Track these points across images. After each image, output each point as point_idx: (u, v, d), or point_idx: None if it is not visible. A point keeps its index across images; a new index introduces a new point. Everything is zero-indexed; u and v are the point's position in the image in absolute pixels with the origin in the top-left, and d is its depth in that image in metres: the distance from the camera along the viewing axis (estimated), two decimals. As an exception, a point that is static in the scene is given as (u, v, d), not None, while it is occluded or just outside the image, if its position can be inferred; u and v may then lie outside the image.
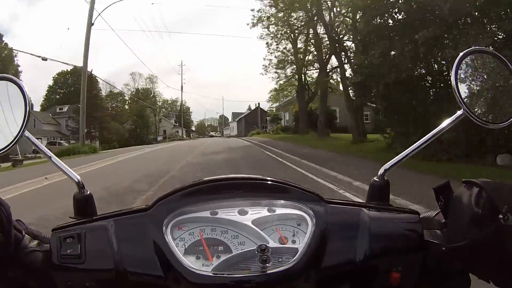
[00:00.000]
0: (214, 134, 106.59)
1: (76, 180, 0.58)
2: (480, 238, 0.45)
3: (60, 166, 0.58)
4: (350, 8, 14.62)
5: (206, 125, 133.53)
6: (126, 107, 58.82)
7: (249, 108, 79.24)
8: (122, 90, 56.53)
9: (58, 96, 49.38)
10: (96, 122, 42.14)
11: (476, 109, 0.58)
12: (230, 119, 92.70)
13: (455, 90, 0.57)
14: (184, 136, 67.95)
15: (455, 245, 0.47)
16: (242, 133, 59.87)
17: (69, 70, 47.48)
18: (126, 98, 58.96)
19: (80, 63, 21.58)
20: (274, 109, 48.32)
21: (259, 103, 64.75)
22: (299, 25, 22.60)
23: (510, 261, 0.45)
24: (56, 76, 48.89)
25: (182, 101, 69.95)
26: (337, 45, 17.98)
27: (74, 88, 45.77)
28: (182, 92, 67.25)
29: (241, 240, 0.50)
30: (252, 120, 61.87)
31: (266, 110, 58.46)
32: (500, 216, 0.44)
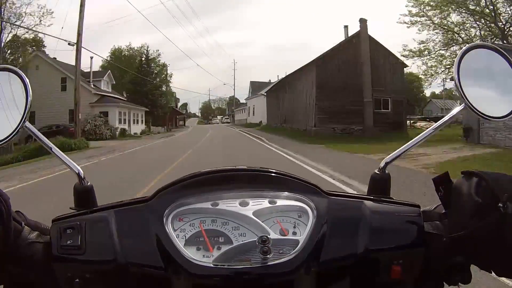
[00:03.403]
0: (219, 120, 79.73)
1: (77, 171, 0.58)
2: (481, 227, 0.45)
3: (61, 157, 0.58)
4: None
5: (213, 107, 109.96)
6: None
7: (270, 83, 51.87)
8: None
9: None
10: None
11: (477, 102, 0.58)
12: (247, 95, 58.06)
13: (457, 83, 0.58)
14: (126, 128, 29.23)
15: (456, 235, 0.47)
16: (282, 119, 27.51)
17: None
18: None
19: None
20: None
21: (366, 20, 21.05)
22: None
23: (511, 250, 0.45)
24: None
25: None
26: None
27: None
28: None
29: (242, 232, 0.50)
30: (329, 84, 20.18)
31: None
32: (500, 205, 0.44)
